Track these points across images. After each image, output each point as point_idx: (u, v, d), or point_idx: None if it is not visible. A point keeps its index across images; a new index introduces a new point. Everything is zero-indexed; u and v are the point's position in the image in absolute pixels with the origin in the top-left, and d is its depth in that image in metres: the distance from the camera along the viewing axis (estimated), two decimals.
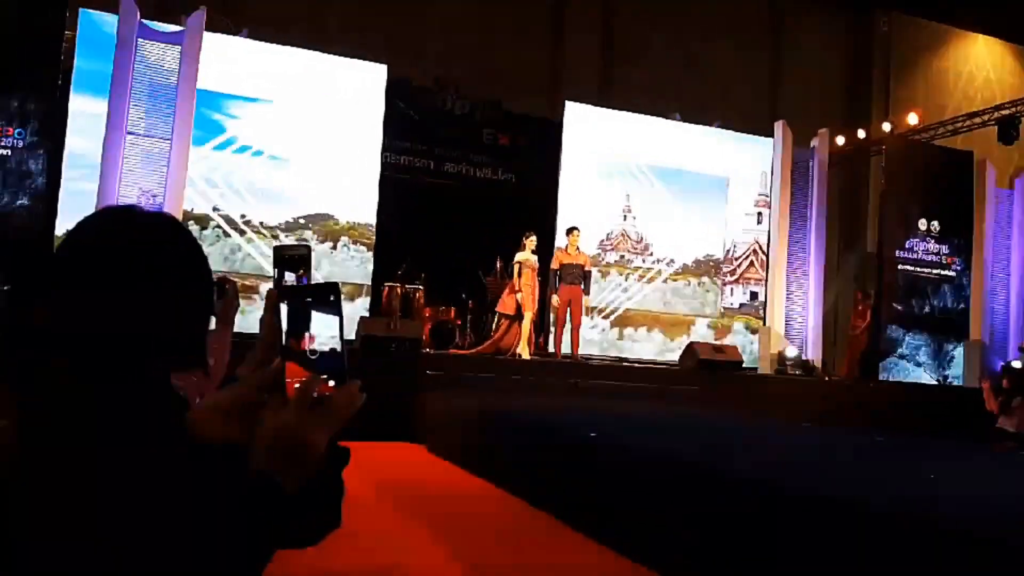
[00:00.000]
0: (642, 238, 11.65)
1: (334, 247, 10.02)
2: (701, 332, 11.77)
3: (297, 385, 0.86)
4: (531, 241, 9.25)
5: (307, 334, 0.87)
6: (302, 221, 9.94)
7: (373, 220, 10.15)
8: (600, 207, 11.31)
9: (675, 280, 11.81)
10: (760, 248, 12.39)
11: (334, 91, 10.11)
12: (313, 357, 0.87)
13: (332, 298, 0.88)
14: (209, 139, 9.60)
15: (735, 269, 12.30)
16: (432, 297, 10.17)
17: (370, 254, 10.15)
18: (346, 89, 10.16)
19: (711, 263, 12.13)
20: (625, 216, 11.51)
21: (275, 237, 9.74)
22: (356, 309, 9.77)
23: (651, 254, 11.70)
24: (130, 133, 8.93)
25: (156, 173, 9.04)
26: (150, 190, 8.98)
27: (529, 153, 11.78)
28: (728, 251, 12.26)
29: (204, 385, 2.15)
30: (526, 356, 9.03)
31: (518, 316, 9.27)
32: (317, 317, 0.88)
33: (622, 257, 11.40)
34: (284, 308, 0.88)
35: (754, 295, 12.30)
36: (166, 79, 9.15)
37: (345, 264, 10.03)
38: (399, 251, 10.00)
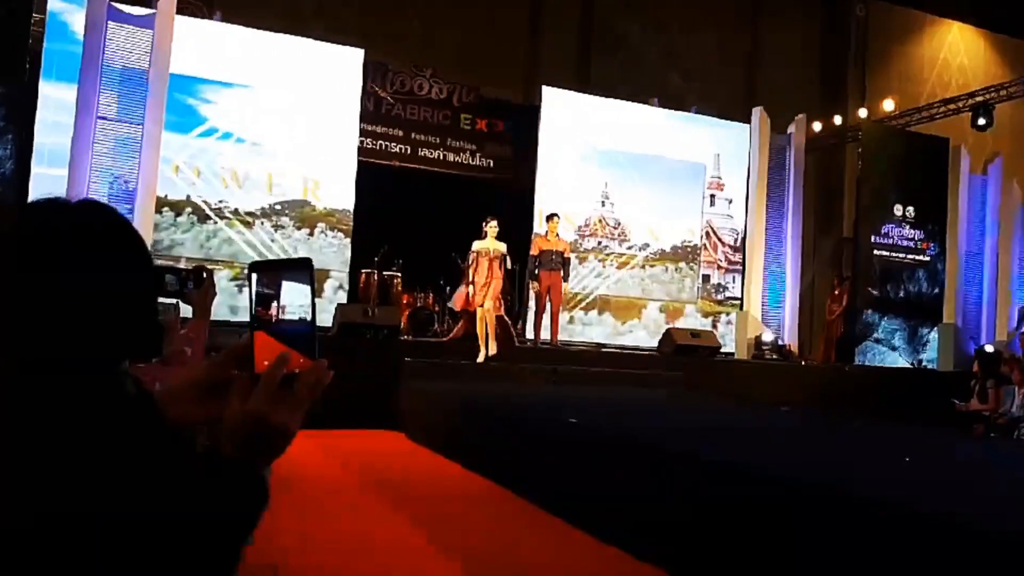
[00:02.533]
0: (619, 224, 11.65)
1: (311, 234, 9.93)
2: (653, 316, 11.72)
3: (267, 363, 0.85)
4: (492, 227, 8.45)
5: (277, 304, 0.87)
6: (279, 207, 9.83)
7: (351, 206, 10.06)
8: (578, 193, 11.28)
9: (652, 266, 11.82)
10: (713, 231, 12.39)
11: (310, 76, 9.99)
12: (283, 326, 0.87)
13: (304, 271, 0.87)
14: (185, 124, 9.46)
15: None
16: (410, 284, 10.13)
17: (348, 240, 10.06)
18: (323, 74, 10.05)
19: (688, 249, 12.15)
20: (603, 202, 11.50)
21: (250, 224, 9.64)
22: (335, 297, 9.71)
23: (628, 240, 11.71)
24: (101, 118, 8.77)
25: (128, 159, 8.90)
26: (122, 175, 8.84)
27: (507, 139, 11.71)
28: (702, 236, 12.28)
29: (168, 373, 2.12)
30: (484, 355, 8.18)
31: (469, 313, 8.62)
32: (288, 287, 0.87)
33: (599, 243, 11.37)
34: (255, 279, 0.87)
35: (706, 278, 12.34)
36: (137, 63, 9.00)
37: (324, 251, 9.95)
38: (376, 237, 9.93)
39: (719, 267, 12.40)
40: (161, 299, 2.64)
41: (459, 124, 11.81)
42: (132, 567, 0.74)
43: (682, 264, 12.03)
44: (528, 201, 10.90)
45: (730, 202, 12.47)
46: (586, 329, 11.32)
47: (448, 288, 10.21)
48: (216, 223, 9.53)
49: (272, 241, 9.77)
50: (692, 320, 11.91)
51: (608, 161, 11.61)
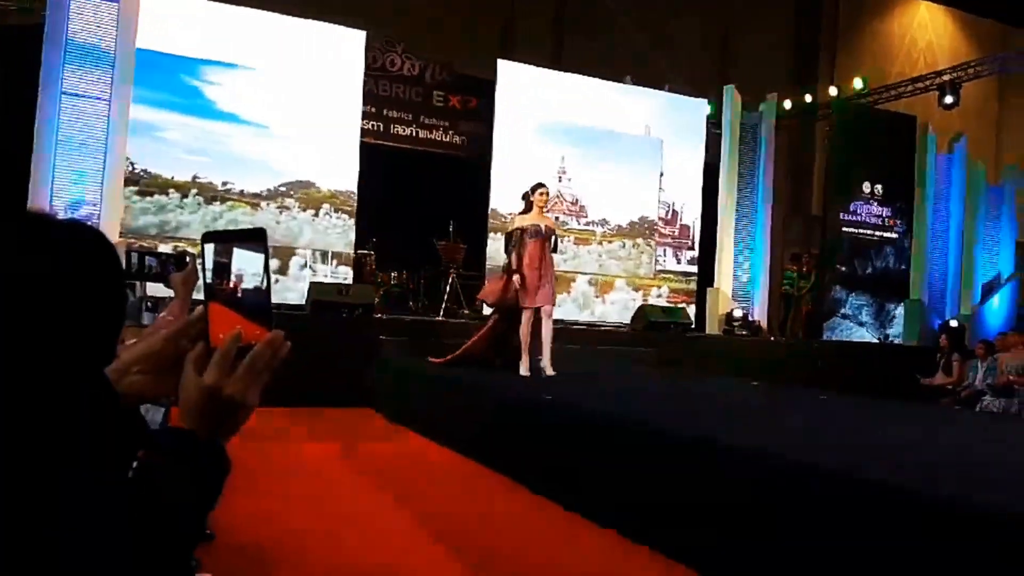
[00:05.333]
0: (576, 200, 11.62)
1: (316, 215, 9.94)
2: (582, 289, 11.61)
3: (222, 335, 0.84)
4: (541, 196, 6.42)
5: (232, 273, 0.86)
6: (283, 189, 9.82)
7: (355, 187, 10.07)
8: (535, 169, 11.13)
9: (610, 242, 11.83)
10: (670, 207, 12.40)
11: (309, 57, 9.93)
12: (238, 296, 0.86)
13: (258, 241, 0.87)
14: (189, 106, 9.39)
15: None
16: (384, 262, 10.10)
17: (352, 221, 10.08)
18: (325, 55, 10.01)
19: (645, 225, 12.15)
20: (560, 178, 11.44)
21: (255, 206, 9.62)
22: (301, 274, 9.68)
23: (586, 216, 11.67)
24: (65, 93, 8.59)
25: (94, 136, 8.72)
26: (89, 153, 8.67)
27: (481, 116, 11.63)
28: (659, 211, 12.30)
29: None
30: (527, 366, 6.37)
31: (506, 312, 6.53)
32: (242, 255, 0.86)
33: (557, 219, 11.26)
34: (209, 251, 0.86)
35: (666, 253, 12.39)
36: (102, 39, 8.80)
37: (328, 232, 9.96)
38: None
39: (673, 243, 12.40)
40: (145, 282, 2.62)
41: (432, 101, 11.72)
42: (93, 555, 0.72)
43: (639, 240, 12.04)
44: (485, 177, 10.82)
45: (684, 179, 12.42)
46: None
47: (422, 267, 10.18)
48: (222, 204, 9.52)
49: (277, 223, 9.74)
50: (653, 298, 11.93)
51: (564, 136, 11.48)
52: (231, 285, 0.86)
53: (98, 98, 8.72)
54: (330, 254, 9.93)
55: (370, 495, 4.49)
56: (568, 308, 11.04)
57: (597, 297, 11.57)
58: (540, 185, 6.48)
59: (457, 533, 3.78)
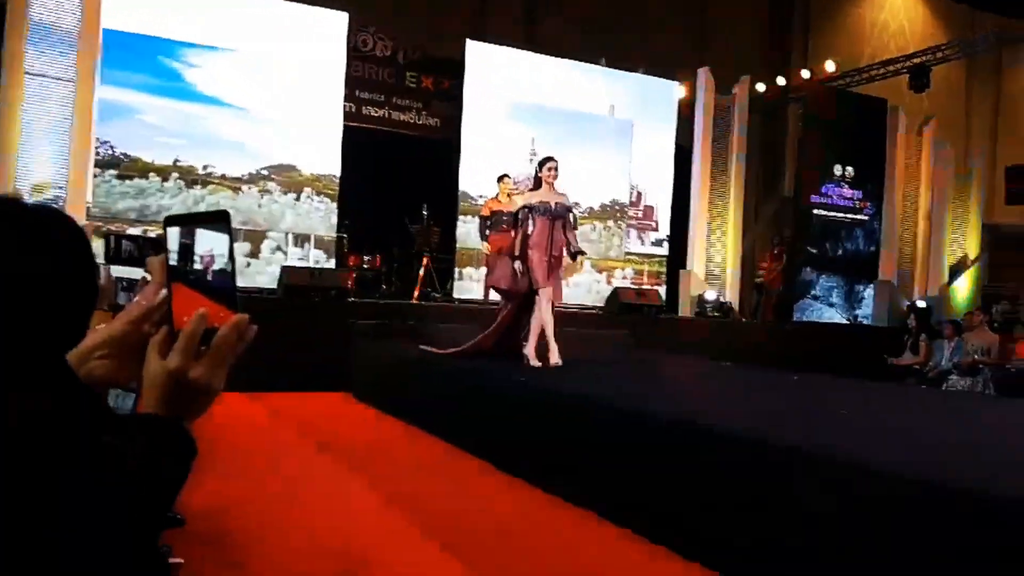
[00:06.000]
0: None
1: (297, 198, 9.88)
2: (584, 274, 11.51)
3: (185, 318, 0.83)
4: (550, 170, 5.87)
5: (196, 255, 0.85)
6: (265, 172, 9.73)
7: (337, 171, 10.01)
8: (505, 151, 11.01)
9: (580, 224, 11.73)
10: (637, 189, 12.43)
11: (291, 39, 9.82)
12: (202, 279, 0.85)
13: (222, 223, 0.86)
14: (169, 88, 9.26)
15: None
16: (356, 245, 10.04)
17: (334, 205, 10.03)
18: (307, 38, 9.89)
19: (616, 208, 12.17)
20: (530, 160, 11.39)
21: (237, 190, 9.54)
22: (272, 258, 9.59)
23: None
24: (29, 74, 8.40)
25: (59, 118, 8.54)
26: (55, 134, 8.50)
27: (454, 97, 11.54)
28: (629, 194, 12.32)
29: None
30: (534, 358, 5.84)
31: (523, 298, 6.00)
32: (206, 237, 0.85)
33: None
34: (173, 234, 0.85)
35: (634, 235, 12.41)
36: (66, 19, 8.61)
37: (310, 216, 9.92)
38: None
39: (637, 224, 12.43)
40: (121, 266, 2.58)
41: (405, 82, 11.62)
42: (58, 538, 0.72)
43: (610, 222, 12.04)
44: (455, 159, 10.74)
45: (655, 161, 12.44)
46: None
47: (395, 249, 10.12)
48: (203, 188, 9.42)
49: (259, 206, 9.68)
50: (618, 280, 11.94)
51: (535, 118, 11.41)
52: (195, 268, 0.85)
53: (63, 79, 8.54)
54: (311, 237, 9.87)
55: (345, 479, 4.48)
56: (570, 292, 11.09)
57: (561, 279, 11.50)
58: (549, 159, 5.93)
59: (433, 517, 3.79)
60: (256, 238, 9.58)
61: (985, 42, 14.20)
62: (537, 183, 5.94)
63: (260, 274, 9.41)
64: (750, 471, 3.11)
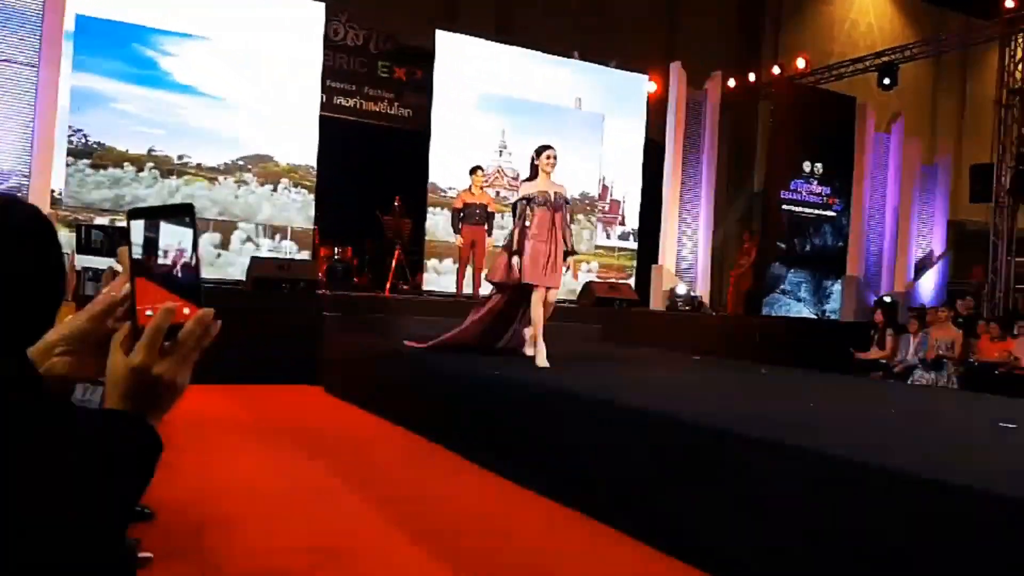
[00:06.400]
0: (518, 175, 11.53)
1: (274, 189, 9.79)
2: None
3: (149, 313, 0.81)
4: (549, 159, 5.58)
5: (160, 249, 0.84)
6: (241, 163, 9.61)
7: (314, 162, 9.93)
8: (475, 143, 10.96)
9: None
10: (606, 183, 12.46)
11: (267, 27, 9.73)
12: (166, 273, 0.83)
13: (186, 216, 0.84)
14: (144, 77, 9.10)
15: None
16: (329, 237, 9.95)
17: (312, 197, 9.94)
18: (283, 27, 9.81)
19: (586, 201, 12.17)
20: (500, 152, 11.36)
21: (213, 180, 9.42)
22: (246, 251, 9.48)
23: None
24: None
25: (22, 103, 8.36)
26: (19, 121, 8.31)
27: (426, 87, 11.44)
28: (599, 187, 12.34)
29: None
30: (541, 355, 5.37)
31: (513, 292, 5.68)
32: (171, 231, 0.84)
33: (498, 194, 11.05)
34: (137, 227, 0.84)
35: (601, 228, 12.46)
36: (30, 3, 8.42)
37: (288, 208, 9.83)
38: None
39: (604, 218, 12.45)
40: (91, 256, 2.53)
41: (376, 71, 11.52)
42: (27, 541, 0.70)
43: (580, 216, 12.04)
44: (424, 151, 10.68)
45: (625, 155, 12.47)
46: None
47: (367, 240, 10.05)
48: (179, 179, 9.29)
49: (236, 197, 9.57)
50: (585, 274, 11.94)
51: (505, 110, 11.35)
52: (160, 262, 0.83)
53: (25, 64, 8.35)
54: (284, 228, 9.76)
55: (316, 472, 4.44)
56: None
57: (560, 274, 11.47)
58: (547, 147, 5.61)
59: (405, 510, 3.77)
60: (226, 229, 9.46)
61: (952, 42, 14.42)
62: (534, 172, 5.61)
63: (230, 265, 9.29)
64: (718, 461, 3.13)
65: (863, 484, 2.59)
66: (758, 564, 2.87)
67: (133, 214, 0.85)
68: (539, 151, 5.61)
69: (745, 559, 2.92)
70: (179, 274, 0.83)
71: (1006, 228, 12.31)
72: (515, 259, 5.41)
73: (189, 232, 0.84)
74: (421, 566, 3.07)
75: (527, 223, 5.41)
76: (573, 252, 5.61)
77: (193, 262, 0.84)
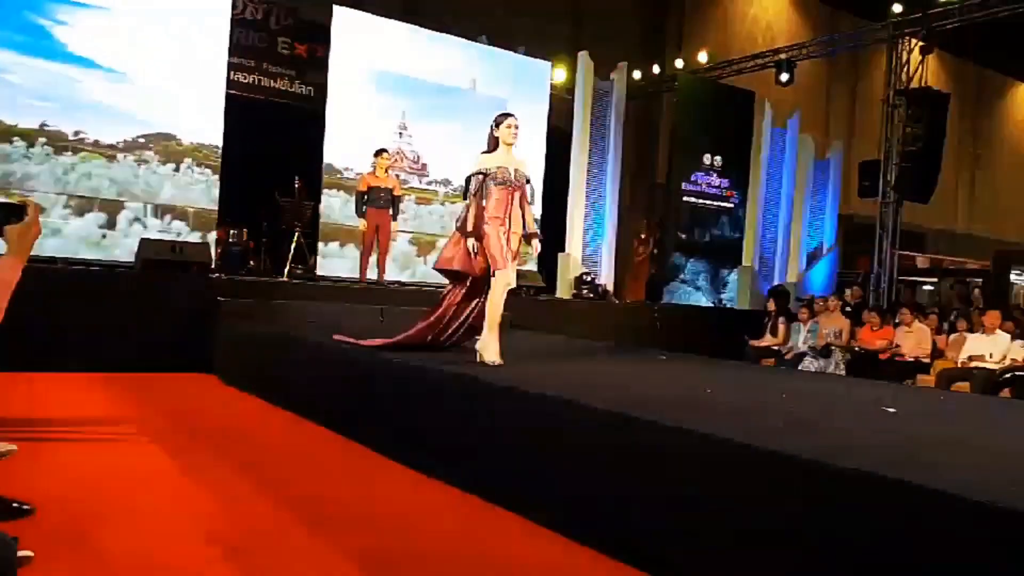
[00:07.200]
0: (419, 158, 11.41)
1: (177, 169, 9.32)
2: (403, 248, 11.15)
3: None
4: (510, 128, 5.01)
5: None
6: (142, 140, 9.12)
7: (219, 141, 9.51)
8: (372, 123, 10.70)
9: (453, 202, 11.49)
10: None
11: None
12: None
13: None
14: (36, 46, 8.48)
15: None
16: (225, 218, 9.56)
17: (216, 177, 9.52)
18: None
19: None
20: (400, 134, 11.16)
21: (112, 158, 8.91)
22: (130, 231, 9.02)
23: (427, 176, 11.35)
24: None
25: None
26: None
27: (326, 65, 11.08)
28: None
29: None
30: (495, 353, 4.80)
31: (472, 282, 5.09)
32: None
33: (398, 177, 10.90)
34: None
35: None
36: None
37: (191, 188, 9.38)
38: None
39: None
40: None
41: (276, 48, 11.12)
42: None
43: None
44: (319, 131, 10.38)
45: (528, 142, 12.39)
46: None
47: (264, 223, 9.71)
48: (74, 155, 8.74)
49: (136, 176, 9.07)
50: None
51: (405, 90, 11.09)
52: None
53: None
54: (174, 208, 9.31)
55: (212, 463, 4.25)
56: (388, 268, 10.84)
57: (418, 256, 11.30)
58: (507, 115, 5.01)
59: (302, 503, 3.65)
60: (113, 209, 8.97)
61: (844, 40, 15.01)
62: (493, 144, 4.99)
63: (116, 247, 8.83)
64: (614, 446, 3.14)
65: (754, 466, 2.64)
66: (658, 547, 2.89)
67: None
68: (499, 120, 5.00)
69: (648, 543, 2.94)
70: None
71: (891, 222, 12.94)
72: (471, 241, 4.83)
73: None
74: (319, 559, 2.97)
75: (483, 202, 4.84)
76: (535, 235, 5.00)
77: None
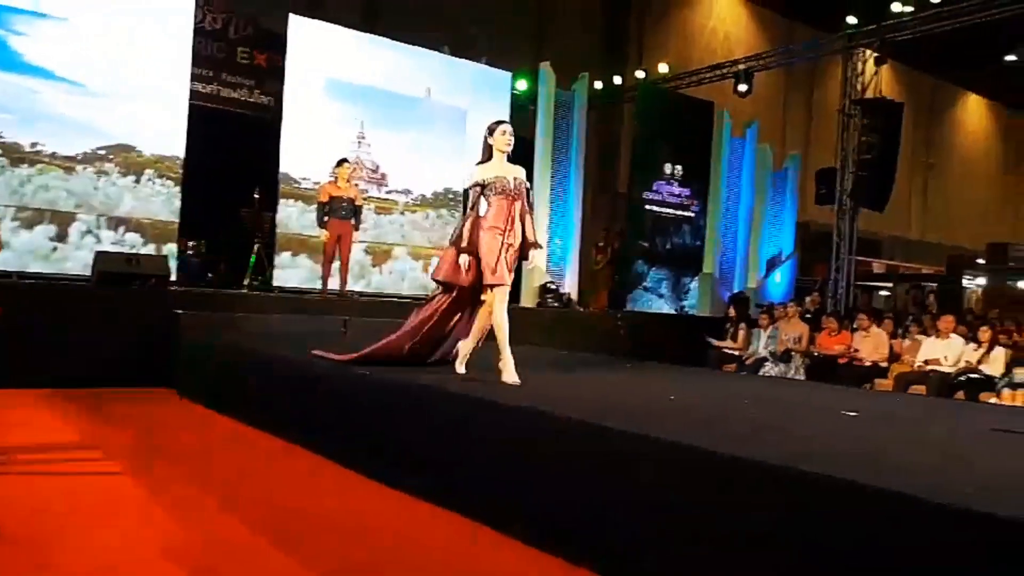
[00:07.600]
0: (378, 167, 11.31)
1: (137, 181, 9.13)
2: (358, 258, 10.72)
3: None
4: (505, 136, 4.79)
5: None
6: (102, 152, 8.92)
7: (181, 152, 9.33)
8: (330, 133, 10.56)
9: (413, 212, 11.41)
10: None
11: (131, 9, 9.05)
12: None
13: None
14: None
15: None
16: (183, 230, 9.41)
17: (177, 189, 9.32)
18: (146, 7, 9.16)
19: (450, 196, 12.02)
20: (359, 143, 11.07)
21: (70, 170, 8.70)
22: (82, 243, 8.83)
23: (387, 185, 11.20)
24: None
25: None
26: None
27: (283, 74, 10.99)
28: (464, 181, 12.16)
29: None
30: (462, 360, 4.89)
31: (462, 293, 4.91)
32: None
33: (357, 187, 10.78)
34: None
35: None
36: None
37: (151, 200, 9.19)
38: None
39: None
40: None
41: (236, 57, 11.00)
42: None
43: (443, 210, 11.81)
44: (275, 141, 10.21)
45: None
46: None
47: (223, 234, 9.57)
48: (31, 167, 8.54)
49: (95, 188, 8.86)
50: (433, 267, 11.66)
51: (363, 99, 10.97)
52: None
53: None
54: (128, 220, 9.12)
55: (172, 479, 4.16)
56: (388, 280, 10.76)
57: (374, 266, 11.18)
58: (501, 122, 4.84)
59: (264, 515, 3.59)
60: (64, 221, 8.77)
61: (801, 53, 15.31)
62: (487, 154, 4.80)
63: (67, 260, 8.64)
64: (587, 456, 3.15)
65: (723, 472, 2.66)
66: (631, 554, 2.90)
67: None
68: (492, 128, 4.80)
69: (620, 551, 2.94)
70: None
71: (847, 229, 13.19)
72: (464, 257, 4.63)
73: None
74: (283, 570, 2.93)
75: (480, 214, 4.65)
76: (537, 245, 4.82)
77: None
